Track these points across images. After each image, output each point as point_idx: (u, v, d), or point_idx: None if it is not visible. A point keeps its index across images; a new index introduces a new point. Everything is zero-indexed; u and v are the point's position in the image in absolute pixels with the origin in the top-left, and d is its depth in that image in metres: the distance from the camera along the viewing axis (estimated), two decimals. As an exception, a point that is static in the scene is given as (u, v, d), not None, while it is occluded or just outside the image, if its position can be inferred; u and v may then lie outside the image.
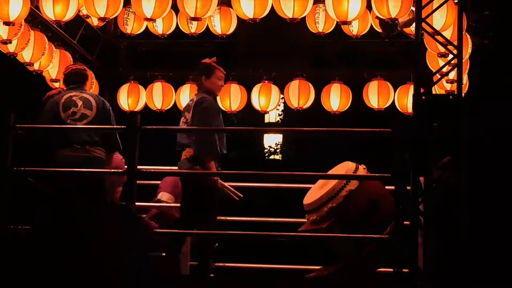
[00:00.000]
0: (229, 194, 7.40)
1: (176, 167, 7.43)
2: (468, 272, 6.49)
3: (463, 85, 7.36)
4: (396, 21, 7.75)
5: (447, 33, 7.60)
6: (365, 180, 7.00)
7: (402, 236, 6.39)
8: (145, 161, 7.25)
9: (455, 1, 7.75)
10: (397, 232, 6.41)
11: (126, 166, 7.17)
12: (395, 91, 9.54)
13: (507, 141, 13.72)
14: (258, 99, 9.65)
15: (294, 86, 9.61)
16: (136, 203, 6.55)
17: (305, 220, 7.20)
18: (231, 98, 9.60)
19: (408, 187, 6.57)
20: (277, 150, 17.26)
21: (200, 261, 7.31)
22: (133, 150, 6.58)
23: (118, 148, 7.41)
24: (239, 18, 8.44)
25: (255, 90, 9.66)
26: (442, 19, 7.69)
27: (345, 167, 7.11)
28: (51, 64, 8.83)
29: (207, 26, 8.91)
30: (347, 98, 9.62)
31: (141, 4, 7.83)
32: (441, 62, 7.95)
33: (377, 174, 6.95)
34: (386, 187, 6.99)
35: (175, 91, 9.67)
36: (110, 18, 8.15)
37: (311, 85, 9.65)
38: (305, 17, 8.27)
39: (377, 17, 7.96)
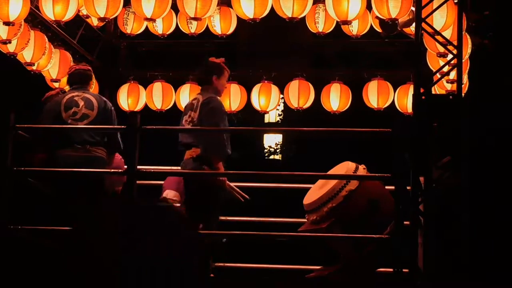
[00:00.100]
0: (236, 196, 7.38)
1: (178, 167, 7.40)
2: (468, 272, 6.49)
3: (463, 85, 7.37)
4: (396, 21, 7.75)
5: (447, 33, 7.60)
6: (365, 180, 7.00)
7: (402, 236, 6.39)
8: (145, 161, 7.24)
9: (455, 1, 7.75)
10: (397, 232, 6.41)
11: (125, 166, 7.17)
12: (395, 91, 9.53)
13: (507, 141, 13.72)
14: (258, 99, 9.65)
15: (294, 86, 9.59)
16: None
17: (305, 220, 7.20)
18: (231, 98, 9.58)
19: (408, 187, 6.57)
20: (277, 150, 17.23)
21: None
22: (133, 150, 6.58)
23: (119, 149, 7.41)
24: (239, 18, 8.44)
25: (255, 90, 9.65)
26: (442, 19, 7.69)
27: (345, 167, 7.10)
28: (50, 64, 8.82)
29: (207, 26, 8.90)
30: (347, 98, 9.61)
31: (141, 4, 7.83)
32: (441, 62, 7.95)
33: (377, 174, 6.95)
34: (386, 187, 6.99)
35: (175, 91, 9.65)
36: (110, 18, 8.15)
37: (311, 85, 9.64)
38: (305, 17, 8.27)
39: (377, 17, 7.96)
